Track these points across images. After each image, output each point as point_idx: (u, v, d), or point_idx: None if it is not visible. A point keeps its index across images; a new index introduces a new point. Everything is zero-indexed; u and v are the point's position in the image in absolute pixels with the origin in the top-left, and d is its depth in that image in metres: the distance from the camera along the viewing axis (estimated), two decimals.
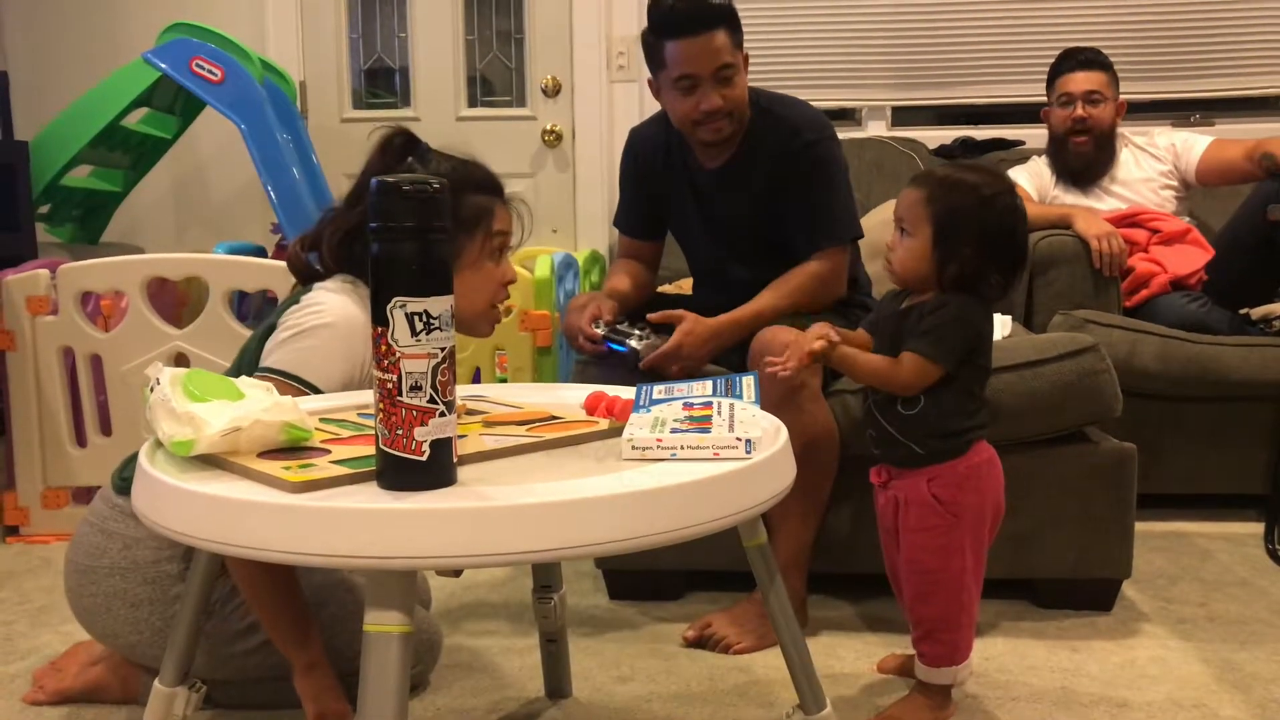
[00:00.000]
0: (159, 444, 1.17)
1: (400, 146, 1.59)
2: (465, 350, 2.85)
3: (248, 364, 1.54)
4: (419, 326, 0.99)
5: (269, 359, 1.49)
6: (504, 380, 2.90)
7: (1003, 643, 1.95)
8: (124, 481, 1.59)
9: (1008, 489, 1.70)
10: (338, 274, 1.59)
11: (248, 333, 2.04)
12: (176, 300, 2.74)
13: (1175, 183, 3.06)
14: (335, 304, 1.51)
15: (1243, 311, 2.75)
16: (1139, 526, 2.07)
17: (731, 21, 2.05)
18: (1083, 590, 2.08)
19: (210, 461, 1.12)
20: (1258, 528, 2.53)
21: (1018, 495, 1.97)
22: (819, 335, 1.59)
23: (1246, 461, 2.63)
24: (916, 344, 1.57)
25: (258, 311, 2.80)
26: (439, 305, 1.00)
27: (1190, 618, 2.06)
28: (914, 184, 1.65)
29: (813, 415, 1.91)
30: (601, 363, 2.07)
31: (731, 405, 1.24)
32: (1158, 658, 1.89)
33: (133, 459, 1.60)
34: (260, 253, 3.16)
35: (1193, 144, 3.05)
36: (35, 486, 2.63)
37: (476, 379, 2.90)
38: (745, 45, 2.10)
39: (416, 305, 0.99)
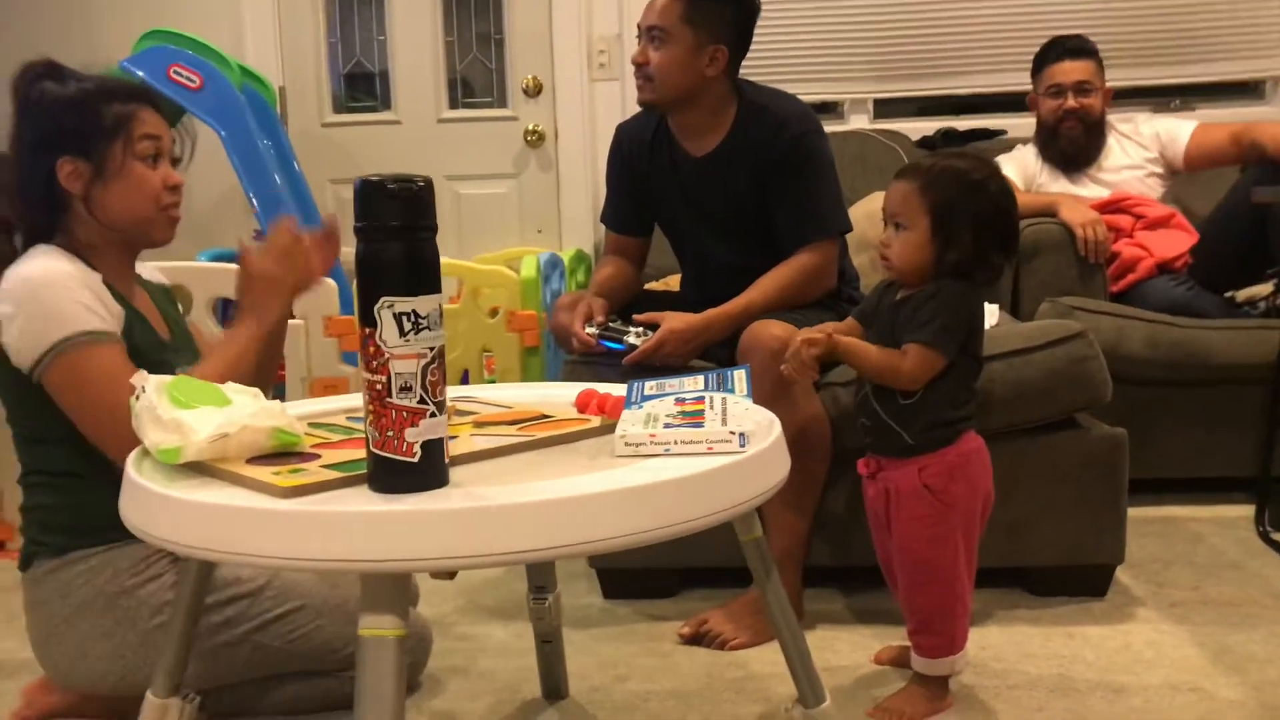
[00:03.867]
0: (146, 452, 1.16)
1: (34, 75, 1.56)
2: (453, 352, 2.83)
3: (6, 380, 1.51)
4: (407, 326, 0.98)
5: (28, 357, 1.45)
6: (493, 382, 2.89)
7: (998, 631, 1.95)
8: (25, 557, 1.60)
9: (1000, 477, 1.70)
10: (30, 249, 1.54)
11: None
12: None
13: (1161, 170, 3.06)
14: (18, 273, 1.48)
15: (1228, 295, 2.76)
16: (1130, 512, 2.07)
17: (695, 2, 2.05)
18: (1077, 577, 2.08)
19: (198, 468, 1.10)
20: (1248, 510, 2.53)
21: (1009, 483, 1.97)
22: (810, 339, 1.59)
23: (1236, 444, 2.63)
24: (918, 334, 1.57)
25: None
26: (427, 304, 0.99)
27: (1184, 601, 2.07)
28: (902, 177, 1.64)
29: (805, 408, 1.90)
30: (594, 362, 2.06)
31: (724, 399, 1.24)
32: (1153, 642, 1.89)
33: (31, 538, 1.59)
34: None
35: (1177, 131, 3.05)
36: (19, 501, 2.60)
37: (465, 382, 2.89)
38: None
39: (404, 305, 0.98)
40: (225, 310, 2.69)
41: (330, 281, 2.60)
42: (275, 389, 2.62)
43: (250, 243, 1.66)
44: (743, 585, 1.97)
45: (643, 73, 2.11)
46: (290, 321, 2.55)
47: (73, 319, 1.45)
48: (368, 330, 0.99)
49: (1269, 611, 2.01)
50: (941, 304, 1.57)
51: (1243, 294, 2.73)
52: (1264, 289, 2.69)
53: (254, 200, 3.15)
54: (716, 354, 2.08)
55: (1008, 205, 1.61)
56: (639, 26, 2.13)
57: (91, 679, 1.60)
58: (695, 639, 1.94)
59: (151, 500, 1.04)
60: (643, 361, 1.99)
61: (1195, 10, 3.60)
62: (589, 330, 2.07)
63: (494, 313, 2.87)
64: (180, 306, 1.86)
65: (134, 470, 1.11)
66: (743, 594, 1.98)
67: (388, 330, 0.98)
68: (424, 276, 0.99)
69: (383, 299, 0.98)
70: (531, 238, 3.84)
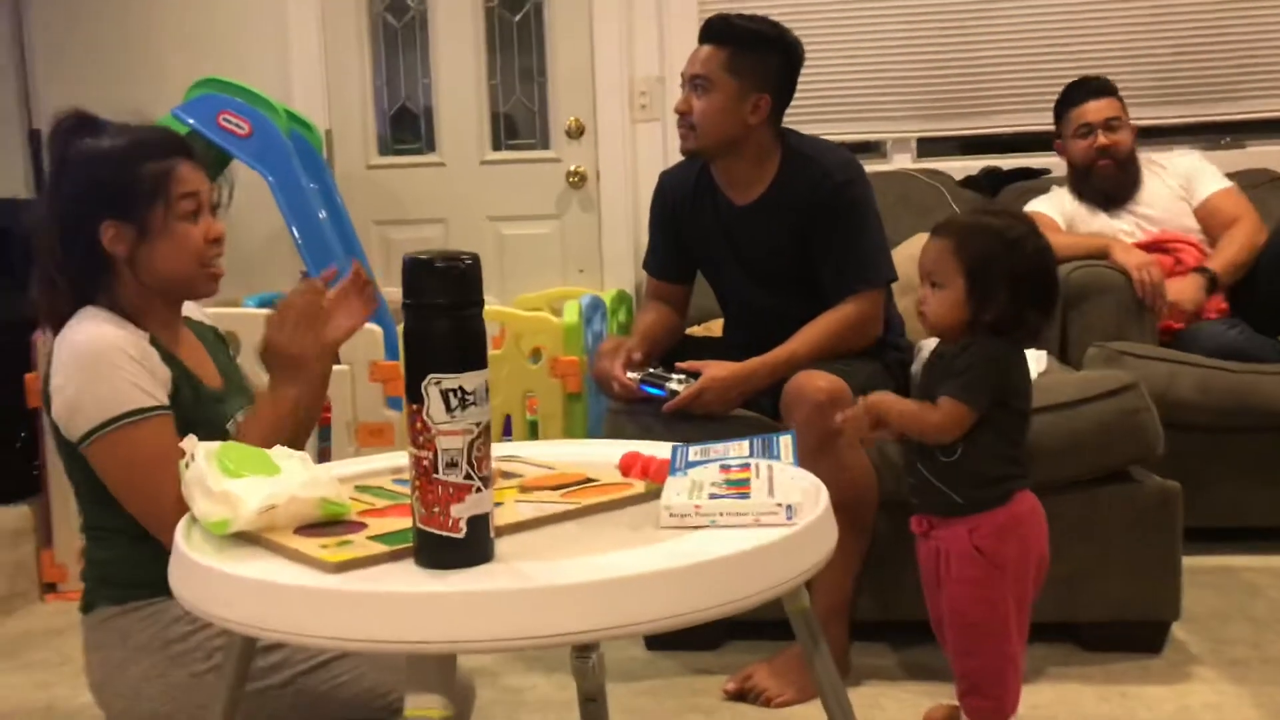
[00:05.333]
0: (194, 520, 1.16)
1: (69, 129, 1.55)
2: (496, 398, 2.84)
3: (61, 445, 1.51)
4: (454, 403, 0.98)
5: (75, 432, 1.46)
6: (534, 422, 2.89)
7: (1050, 689, 1.91)
8: (86, 602, 1.60)
9: (1051, 531, 1.67)
10: (78, 310, 1.54)
11: None
12: None
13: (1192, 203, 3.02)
14: (69, 341, 1.48)
15: None
16: (1185, 561, 2.02)
17: (740, 47, 2.07)
18: (1130, 632, 2.04)
19: (246, 537, 1.11)
20: None
21: (1061, 537, 1.92)
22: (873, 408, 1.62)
23: None
24: (947, 387, 1.56)
25: None
26: (474, 380, 0.99)
27: (1243, 659, 2.01)
28: (937, 235, 1.63)
29: (850, 463, 1.88)
30: (637, 410, 2.06)
31: (770, 467, 1.22)
32: (1212, 704, 1.84)
33: (92, 587, 1.60)
34: None
35: (1199, 185, 2.98)
36: (72, 543, 2.64)
37: (507, 426, 2.89)
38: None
39: (451, 382, 0.98)
40: None
41: (375, 327, 2.61)
42: (320, 432, 2.64)
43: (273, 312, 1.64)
44: (788, 637, 1.92)
45: (685, 121, 2.12)
46: (335, 367, 2.58)
47: (121, 398, 1.45)
48: (414, 406, 0.99)
49: None
50: (973, 357, 1.56)
51: None
52: None
53: (300, 244, 3.19)
54: (760, 403, 2.07)
55: (1045, 263, 1.59)
56: (682, 75, 2.14)
57: (142, 719, 1.61)
58: (740, 694, 1.92)
59: (198, 572, 1.04)
60: (683, 409, 1.99)
61: (1245, 46, 3.55)
62: (630, 375, 2.06)
63: (536, 354, 2.87)
64: (230, 349, 1.86)
65: (182, 540, 1.11)
66: (788, 648, 1.96)
67: (434, 407, 0.98)
68: (470, 353, 0.99)
69: (430, 376, 0.98)
70: (573, 278, 3.85)
